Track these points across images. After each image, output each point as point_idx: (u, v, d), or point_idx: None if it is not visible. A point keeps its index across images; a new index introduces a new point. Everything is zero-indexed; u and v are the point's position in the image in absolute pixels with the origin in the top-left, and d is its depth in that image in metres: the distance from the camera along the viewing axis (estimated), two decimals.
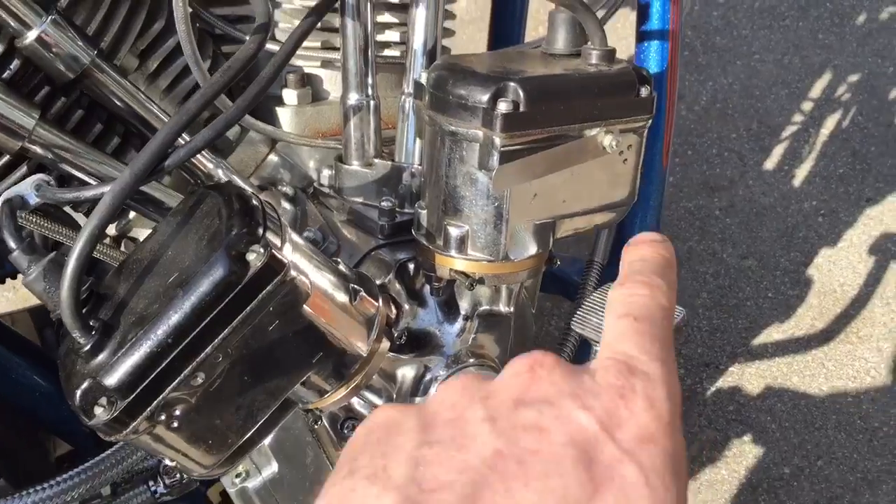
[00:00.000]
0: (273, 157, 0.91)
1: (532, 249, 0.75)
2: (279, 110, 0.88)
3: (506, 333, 0.82)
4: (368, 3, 0.80)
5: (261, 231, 0.61)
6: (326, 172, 0.90)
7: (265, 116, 0.89)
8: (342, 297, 0.67)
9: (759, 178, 2.17)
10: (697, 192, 2.14)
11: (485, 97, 0.67)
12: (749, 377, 1.68)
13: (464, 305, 0.81)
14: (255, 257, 0.59)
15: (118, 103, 0.74)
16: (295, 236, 0.66)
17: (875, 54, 2.53)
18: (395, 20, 0.91)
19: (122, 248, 0.86)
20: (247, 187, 0.83)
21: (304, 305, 0.63)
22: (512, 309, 0.81)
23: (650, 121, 0.76)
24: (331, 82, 0.92)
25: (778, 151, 2.25)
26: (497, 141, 0.67)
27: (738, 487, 1.49)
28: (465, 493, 0.33)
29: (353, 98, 0.83)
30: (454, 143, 0.70)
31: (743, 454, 1.55)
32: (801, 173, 2.17)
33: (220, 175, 0.81)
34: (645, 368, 0.38)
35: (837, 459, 1.51)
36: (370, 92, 0.83)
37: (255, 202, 0.63)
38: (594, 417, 0.36)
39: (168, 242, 0.63)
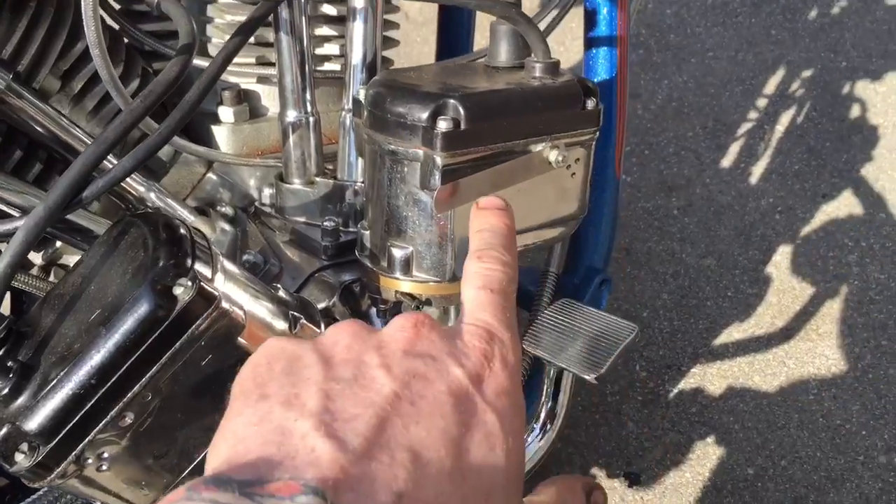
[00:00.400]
0: (211, 177, 0.88)
1: None
2: (215, 129, 0.85)
3: None
4: (303, 17, 0.77)
5: (189, 262, 0.58)
6: (267, 191, 0.87)
7: (201, 135, 0.86)
8: (281, 326, 0.64)
9: (717, 176, 2.18)
10: (655, 192, 2.14)
11: (424, 115, 0.65)
12: (711, 378, 1.68)
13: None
14: (182, 291, 0.56)
15: (38, 129, 0.71)
16: (228, 264, 0.63)
17: (828, 49, 2.55)
18: (334, 33, 0.88)
19: (52, 277, 0.82)
20: (182, 210, 0.80)
21: (239, 337, 0.61)
22: None
23: (597, 133, 0.74)
24: (269, 98, 0.89)
25: (734, 149, 2.26)
26: (438, 160, 0.65)
27: (702, 490, 1.49)
28: (372, 425, 0.38)
29: (292, 115, 0.81)
30: (395, 163, 0.68)
31: (707, 456, 1.54)
32: (757, 171, 2.18)
33: (153, 198, 0.77)
34: (500, 335, 0.46)
35: (801, 459, 1.51)
36: (309, 108, 0.81)
37: (182, 231, 0.60)
38: (466, 373, 0.43)
39: (92, 275, 0.60)
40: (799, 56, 2.55)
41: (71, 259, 0.83)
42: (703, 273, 1.91)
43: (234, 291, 0.61)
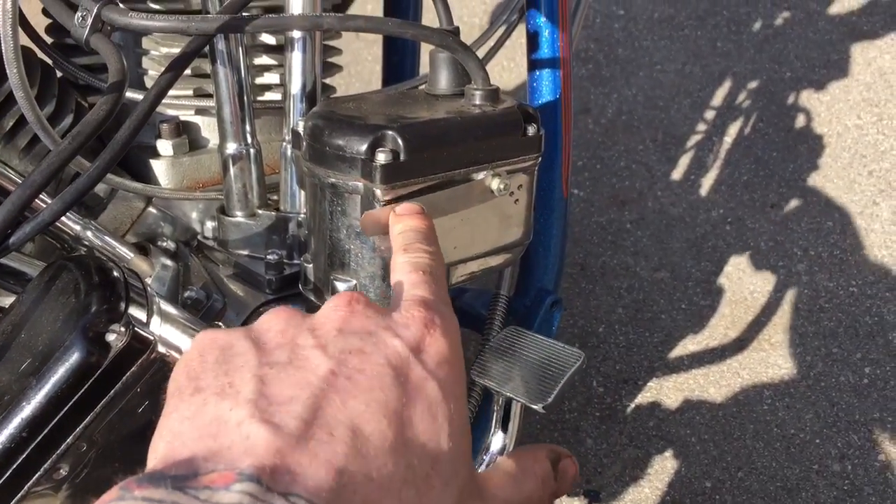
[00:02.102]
0: (151, 211, 0.86)
1: None
2: (154, 162, 0.84)
3: None
4: (241, 48, 0.77)
5: (122, 306, 0.57)
6: (210, 224, 0.86)
7: (140, 169, 0.85)
8: None
9: (668, 188, 2.21)
10: (608, 206, 2.16)
11: (363, 147, 0.64)
12: (667, 391, 1.69)
13: None
14: (115, 338, 0.55)
15: None
16: (165, 305, 0.62)
17: (772, 60, 2.60)
18: (274, 62, 0.87)
19: None
20: (121, 248, 0.78)
21: None
22: None
23: (539, 158, 0.74)
24: (209, 129, 0.88)
25: (684, 161, 2.29)
26: (378, 193, 0.64)
27: None
28: (309, 405, 0.38)
29: (232, 147, 0.80)
30: (335, 196, 0.67)
31: (665, 470, 1.55)
32: (707, 182, 2.21)
33: (90, 237, 0.76)
34: (438, 308, 0.46)
35: (757, 470, 1.53)
36: (249, 140, 0.80)
37: (115, 274, 0.59)
38: (405, 343, 0.43)
39: (23, 322, 0.59)
40: (745, 68, 2.60)
41: (3, 300, 0.80)
42: (656, 286, 1.93)
43: (171, 334, 0.60)
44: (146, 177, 0.85)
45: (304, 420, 0.37)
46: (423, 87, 0.77)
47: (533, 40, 1.02)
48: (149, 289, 0.61)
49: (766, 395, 1.66)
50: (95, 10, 0.63)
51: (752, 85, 2.54)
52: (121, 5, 0.64)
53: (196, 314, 0.78)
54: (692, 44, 2.74)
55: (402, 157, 0.64)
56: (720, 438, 1.59)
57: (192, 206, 0.86)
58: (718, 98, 2.51)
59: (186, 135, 0.86)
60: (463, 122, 0.68)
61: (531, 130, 0.72)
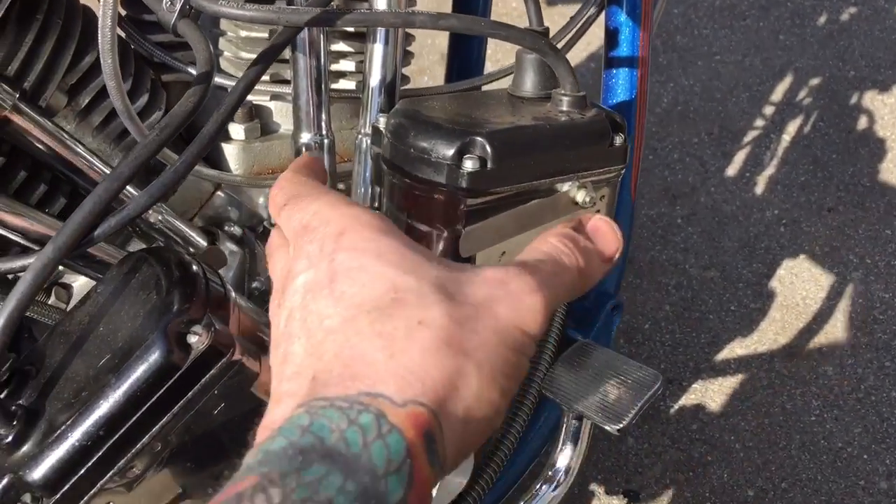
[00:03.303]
0: (219, 195, 0.85)
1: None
2: (225, 146, 0.83)
3: None
4: (322, 36, 0.75)
5: (204, 307, 0.56)
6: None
7: (210, 153, 0.84)
8: None
9: (721, 185, 2.17)
10: (659, 200, 2.13)
11: (450, 152, 0.62)
12: (712, 394, 1.67)
13: None
14: (196, 340, 0.54)
15: (43, 148, 0.68)
16: (242, 302, 0.61)
17: (836, 57, 2.54)
18: (351, 49, 0.86)
19: (53, 298, 0.80)
20: (193, 235, 0.77)
21: (253, 386, 0.59)
22: None
23: (624, 170, 0.72)
24: (281, 114, 0.86)
25: (740, 157, 2.25)
26: (464, 204, 0.62)
27: None
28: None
29: (306, 137, 0.78)
30: (415, 198, 0.66)
31: (706, 475, 1.53)
32: (762, 181, 2.16)
33: (158, 220, 0.75)
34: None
35: (801, 482, 1.51)
36: (324, 130, 0.78)
37: (196, 269, 0.58)
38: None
39: (101, 314, 0.58)
40: (807, 63, 2.54)
41: (71, 278, 0.80)
42: (706, 285, 1.90)
43: (248, 336, 0.59)
44: (216, 159, 0.84)
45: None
46: (505, 88, 0.75)
47: (612, 37, 0.99)
48: (228, 287, 0.60)
49: (815, 405, 1.63)
50: None
51: (814, 82, 2.48)
52: None
53: (262, 305, 0.77)
54: (754, 35, 2.68)
55: (489, 165, 0.62)
56: (765, 447, 1.57)
57: (259, 191, 0.85)
58: (778, 93, 2.45)
59: (259, 119, 0.85)
60: (551, 131, 0.66)
61: (618, 140, 0.70)
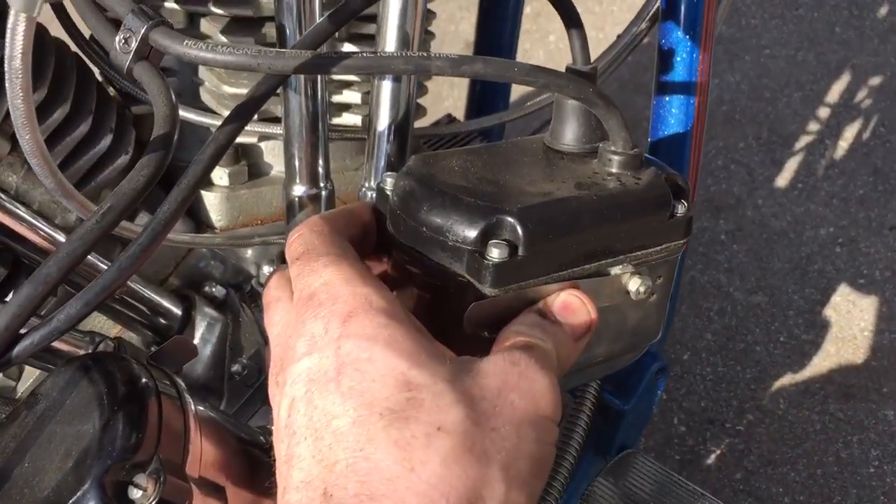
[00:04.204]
0: (199, 250, 0.75)
1: None
2: (205, 194, 0.72)
3: None
4: (320, 78, 0.64)
5: (152, 445, 0.45)
6: (267, 269, 0.74)
7: None
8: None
9: (770, 196, 2.04)
10: (702, 212, 2.00)
11: (471, 236, 0.51)
12: (759, 438, 1.56)
13: None
14: (140, 496, 0.43)
15: None
16: (211, 415, 0.51)
17: None
18: (357, 78, 0.74)
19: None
20: (163, 301, 0.67)
21: None
22: None
23: (687, 244, 0.60)
24: (273, 154, 0.76)
25: (791, 166, 2.11)
26: (487, 293, 0.51)
27: None
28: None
29: (299, 190, 0.67)
30: (427, 286, 0.55)
31: None
32: (816, 193, 2.03)
33: (125, 290, 0.64)
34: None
35: None
36: (321, 182, 0.67)
37: (146, 385, 0.48)
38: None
39: (26, 446, 0.48)
40: (866, 60, 2.39)
41: None
42: (752, 311, 1.77)
43: (217, 469, 0.48)
44: (195, 209, 0.73)
45: None
46: (542, 137, 0.63)
47: (666, 58, 0.87)
48: (188, 405, 0.49)
49: (874, 455, 1.51)
50: (142, 33, 0.51)
51: (874, 81, 2.33)
52: (174, 29, 0.51)
53: (245, 391, 0.67)
54: (807, 26, 2.53)
55: (521, 252, 0.51)
56: (817, 502, 1.45)
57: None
58: (834, 93, 2.31)
59: (246, 160, 0.74)
60: (599, 203, 0.55)
61: (680, 210, 0.59)
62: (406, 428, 0.38)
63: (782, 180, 2.08)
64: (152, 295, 0.67)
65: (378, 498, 0.37)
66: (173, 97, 0.51)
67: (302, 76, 0.63)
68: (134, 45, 0.52)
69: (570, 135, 0.61)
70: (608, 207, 0.55)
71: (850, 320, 1.74)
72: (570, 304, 0.52)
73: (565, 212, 0.54)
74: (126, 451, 0.44)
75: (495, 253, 0.51)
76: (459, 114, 1.21)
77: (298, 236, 0.49)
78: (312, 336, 0.43)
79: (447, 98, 2.30)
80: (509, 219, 0.51)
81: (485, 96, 0.98)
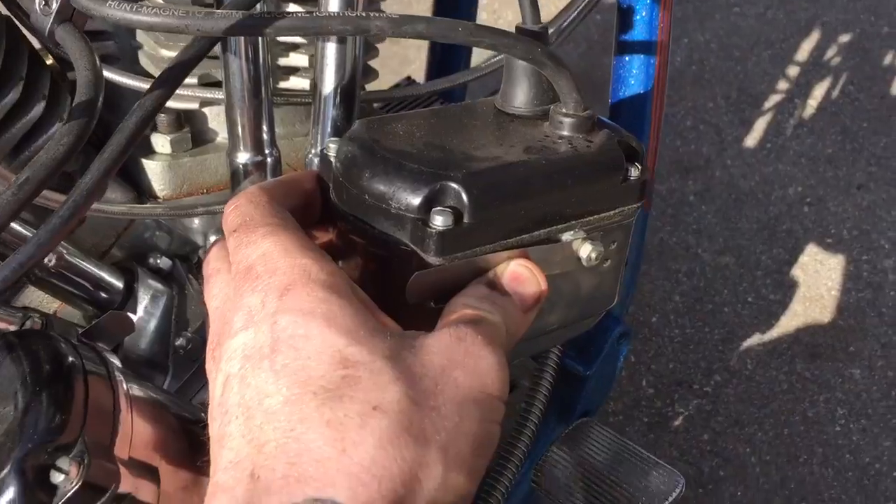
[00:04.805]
0: (144, 220, 0.72)
1: None
2: (146, 163, 0.70)
3: None
4: (260, 40, 0.61)
5: (77, 426, 0.44)
6: (214, 238, 0.72)
7: (130, 169, 0.71)
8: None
9: (739, 156, 2.03)
10: (670, 173, 1.99)
11: (414, 203, 0.50)
12: (726, 399, 1.56)
13: None
14: (63, 479, 0.42)
15: None
16: (147, 393, 0.49)
17: (868, 10, 2.38)
18: (303, 40, 0.72)
19: None
20: (107, 276, 0.64)
21: None
22: None
23: (640, 208, 0.59)
24: (218, 120, 0.73)
25: (759, 125, 2.11)
26: (432, 262, 0.50)
27: None
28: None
29: (244, 157, 0.65)
30: (369, 254, 0.53)
31: (719, 493, 1.43)
32: (785, 153, 2.03)
33: (54, 263, 0.62)
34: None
35: (824, 501, 1.40)
36: (266, 149, 0.65)
37: (72, 364, 0.46)
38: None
39: None
40: (836, 18, 2.38)
41: None
42: (720, 273, 1.78)
43: (149, 450, 0.47)
44: (137, 177, 0.70)
45: None
46: (493, 100, 0.61)
47: (625, 17, 0.85)
48: (120, 381, 0.47)
49: (840, 413, 1.52)
50: None
51: (844, 39, 2.32)
52: None
53: (190, 365, 0.65)
54: None
55: (466, 220, 0.50)
56: (784, 461, 1.46)
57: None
58: (804, 52, 2.30)
59: (189, 126, 0.71)
60: (548, 167, 0.53)
61: (634, 173, 0.57)
62: (340, 407, 0.37)
63: (751, 140, 2.07)
64: (91, 268, 0.65)
65: (307, 480, 0.35)
66: (97, 61, 0.48)
67: (241, 38, 0.61)
68: (55, 6, 0.49)
69: (520, 97, 0.59)
70: (558, 172, 0.53)
71: (817, 280, 1.75)
72: (520, 274, 0.50)
73: (513, 177, 0.52)
74: (48, 433, 0.42)
75: (439, 221, 0.49)
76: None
77: (235, 207, 0.47)
78: (249, 310, 0.41)
79: (414, 61, 2.26)
80: (454, 185, 0.49)
81: (445, 57, 0.95)
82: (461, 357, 0.41)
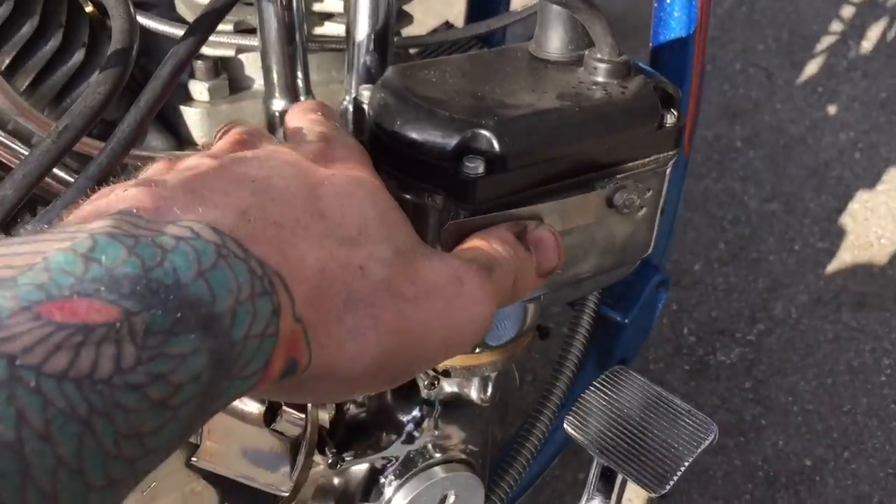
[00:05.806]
0: None
1: (511, 332, 0.60)
2: (185, 110, 0.71)
3: (478, 421, 0.68)
4: None
5: None
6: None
7: (167, 115, 0.72)
8: (250, 432, 0.51)
9: (789, 101, 1.98)
10: (717, 118, 1.96)
11: (446, 150, 0.50)
12: (769, 348, 1.55)
13: (423, 390, 0.66)
14: None
15: None
16: None
17: None
18: None
19: None
20: None
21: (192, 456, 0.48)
22: (487, 397, 0.66)
23: (676, 156, 0.59)
24: (255, 67, 0.74)
25: (811, 69, 2.05)
26: (462, 213, 0.50)
27: (752, 481, 1.39)
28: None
29: (279, 104, 0.66)
30: (401, 201, 0.53)
31: (759, 441, 1.43)
32: (837, 97, 1.98)
33: None
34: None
35: (867, 451, 1.40)
36: (302, 97, 0.66)
37: None
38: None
39: None
40: None
41: None
42: (766, 220, 1.75)
43: None
44: (176, 125, 0.72)
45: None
46: (527, 45, 0.61)
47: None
48: None
49: (886, 363, 1.51)
50: None
51: None
52: None
53: None
54: None
55: (497, 168, 0.50)
56: (826, 410, 1.46)
57: None
58: None
59: (226, 74, 0.72)
60: (582, 115, 0.53)
61: (670, 120, 0.57)
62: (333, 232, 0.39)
63: (802, 84, 2.03)
64: None
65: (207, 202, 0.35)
66: (132, 9, 0.49)
67: None
68: None
69: (554, 42, 0.59)
70: (591, 119, 0.53)
71: (867, 228, 1.72)
72: (546, 239, 0.49)
73: (545, 124, 0.52)
74: None
75: (471, 167, 0.49)
76: None
77: (313, 105, 0.50)
78: (314, 153, 0.43)
79: (456, 4, 2.24)
80: (485, 132, 0.50)
81: (484, 1, 0.95)
82: (450, 295, 0.41)
